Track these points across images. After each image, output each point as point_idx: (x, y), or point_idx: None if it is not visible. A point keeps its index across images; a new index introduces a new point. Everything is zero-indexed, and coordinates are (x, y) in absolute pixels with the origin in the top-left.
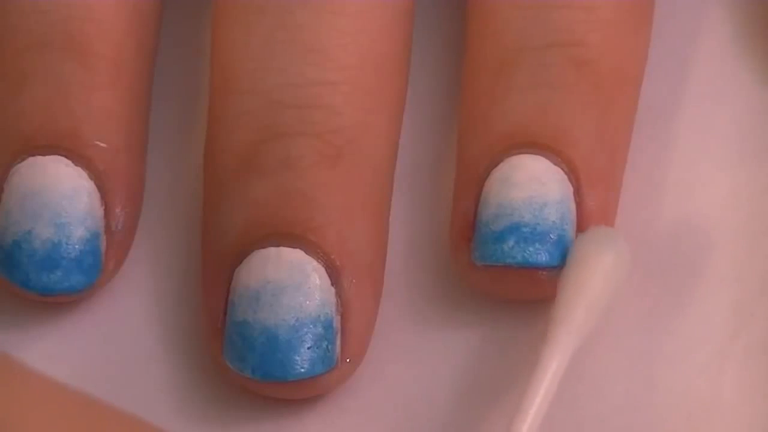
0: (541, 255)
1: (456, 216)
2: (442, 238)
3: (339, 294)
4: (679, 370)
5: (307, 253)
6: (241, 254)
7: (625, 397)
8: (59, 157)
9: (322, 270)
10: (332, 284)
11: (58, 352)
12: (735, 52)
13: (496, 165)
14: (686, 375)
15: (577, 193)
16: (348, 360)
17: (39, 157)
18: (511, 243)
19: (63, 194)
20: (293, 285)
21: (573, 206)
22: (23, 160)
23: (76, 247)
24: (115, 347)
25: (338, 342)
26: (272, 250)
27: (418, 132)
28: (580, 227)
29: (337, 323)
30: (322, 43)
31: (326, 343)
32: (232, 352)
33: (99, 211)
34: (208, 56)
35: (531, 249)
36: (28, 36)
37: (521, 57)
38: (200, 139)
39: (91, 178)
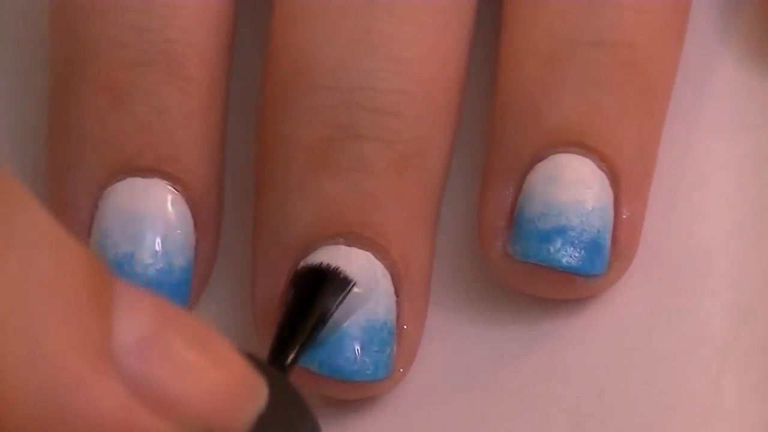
0: (584, 261)
1: (490, 201)
2: (453, 235)
3: (398, 302)
4: (679, 370)
5: (375, 257)
6: (307, 247)
7: (625, 397)
8: (162, 181)
9: (389, 276)
10: (395, 292)
11: None
12: (737, 50)
13: (540, 159)
14: (686, 375)
15: (617, 201)
16: (401, 369)
17: (141, 179)
18: (557, 245)
19: (167, 220)
20: (365, 287)
21: (612, 214)
22: (122, 179)
23: (176, 276)
24: None
25: (395, 349)
26: (343, 248)
27: None
28: (616, 237)
29: (395, 330)
30: (405, 54)
31: (389, 348)
32: None
33: (193, 240)
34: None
35: (576, 255)
36: (130, 52)
37: (573, 50)
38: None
39: (189, 206)
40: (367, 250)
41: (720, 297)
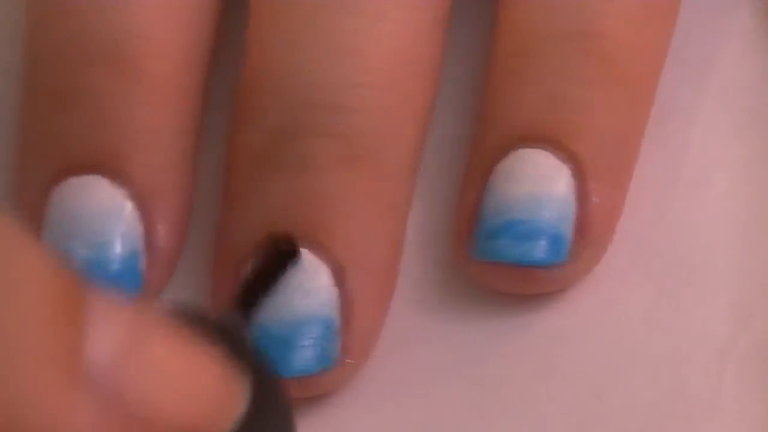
0: (536, 253)
1: (461, 207)
2: (443, 232)
3: (343, 295)
4: (679, 370)
5: (313, 252)
6: (252, 251)
7: (626, 396)
8: (98, 177)
9: (327, 270)
10: (336, 284)
11: None
12: (736, 49)
13: (502, 158)
14: (686, 375)
15: (582, 189)
16: (350, 360)
17: (78, 178)
18: (506, 240)
19: (100, 214)
20: (297, 283)
21: (574, 205)
22: (65, 178)
23: (114, 266)
24: None
25: (339, 342)
26: None
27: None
28: (584, 225)
29: (338, 323)
30: (352, 45)
31: (326, 342)
32: None
33: (138, 230)
34: (225, 54)
35: (525, 247)
36: (78, 52)
37: (542, 46)
38: (212, 137)
39: (132, 197)
40: (305, 247)
41: (720, 297)
